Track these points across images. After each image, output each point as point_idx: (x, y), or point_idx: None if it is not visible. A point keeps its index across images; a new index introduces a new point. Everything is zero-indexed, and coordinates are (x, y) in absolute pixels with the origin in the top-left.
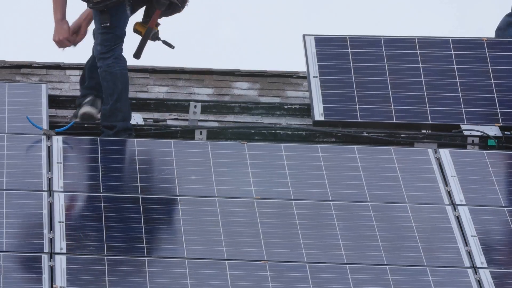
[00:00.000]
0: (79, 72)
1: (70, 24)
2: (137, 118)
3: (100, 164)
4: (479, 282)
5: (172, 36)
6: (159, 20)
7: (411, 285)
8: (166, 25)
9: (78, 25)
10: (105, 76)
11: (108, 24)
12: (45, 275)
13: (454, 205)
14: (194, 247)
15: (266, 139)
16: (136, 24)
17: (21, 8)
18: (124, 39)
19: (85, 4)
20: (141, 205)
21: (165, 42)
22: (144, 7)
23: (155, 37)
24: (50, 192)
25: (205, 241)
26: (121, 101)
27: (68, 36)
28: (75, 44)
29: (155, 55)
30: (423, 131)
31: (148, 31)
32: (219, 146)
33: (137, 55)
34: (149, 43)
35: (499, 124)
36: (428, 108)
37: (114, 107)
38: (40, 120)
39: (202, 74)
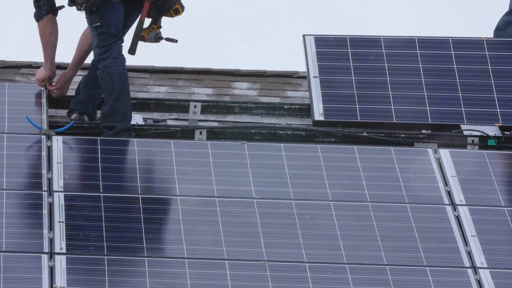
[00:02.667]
0: (79, 72)
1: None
2: (137, 118)
3: (100, 164)
4: (479, 282)
5: (172, 36)
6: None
7: (411, 285)
8: (167, 25)
9: (60, 80)
10: (104, 77)
11: (98, 24)
12: (45, 275)
13: (454, 205)
14: (194, 247)
15: (266, 139)
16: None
17: (21, 8)
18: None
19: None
20: (141, 205)
21: (168, 39)
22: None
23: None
24: (50, 192)
25: (205, 241)
26: (120, 101)
27: (38, 82)
28: (60, 96)
29: (155, 55)
30: (423, 131)
31: (139, 25)
32: (219, 146)
33: (132, 51)
34: (152, 44)
35: (499, 124)
36: (428, 108)
37: (113, 107)
38: (40, 120)
39: (202, 74)
